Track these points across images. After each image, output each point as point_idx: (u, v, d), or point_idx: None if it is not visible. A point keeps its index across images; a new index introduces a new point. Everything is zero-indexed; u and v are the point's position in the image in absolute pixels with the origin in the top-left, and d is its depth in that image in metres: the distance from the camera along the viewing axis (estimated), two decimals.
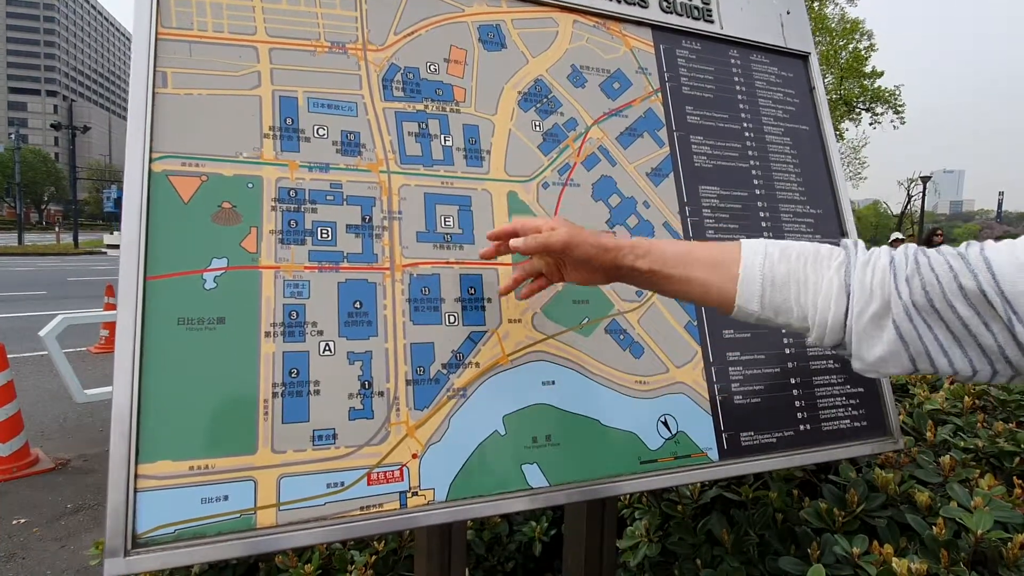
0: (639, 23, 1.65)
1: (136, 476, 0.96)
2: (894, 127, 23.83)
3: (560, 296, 1.36)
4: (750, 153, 1.70)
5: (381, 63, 1.32)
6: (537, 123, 1.45)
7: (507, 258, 1.32)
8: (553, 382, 1.30)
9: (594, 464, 1.29)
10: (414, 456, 1.14)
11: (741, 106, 1.73)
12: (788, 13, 1.88)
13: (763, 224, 1.65)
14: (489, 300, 1.28)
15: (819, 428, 1.55)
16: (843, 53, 23.36)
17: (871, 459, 1.86)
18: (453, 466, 1.17)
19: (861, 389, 1.64)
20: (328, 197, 1.20)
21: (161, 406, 1.00)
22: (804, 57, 1.89)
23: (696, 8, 1.73)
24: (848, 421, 1.59)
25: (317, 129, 1.23)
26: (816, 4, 22.37)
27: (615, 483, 1.28)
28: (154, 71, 1.12)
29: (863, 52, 23.39)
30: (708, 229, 1.58)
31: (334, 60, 1.28)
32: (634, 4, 1.65)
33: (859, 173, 29.85)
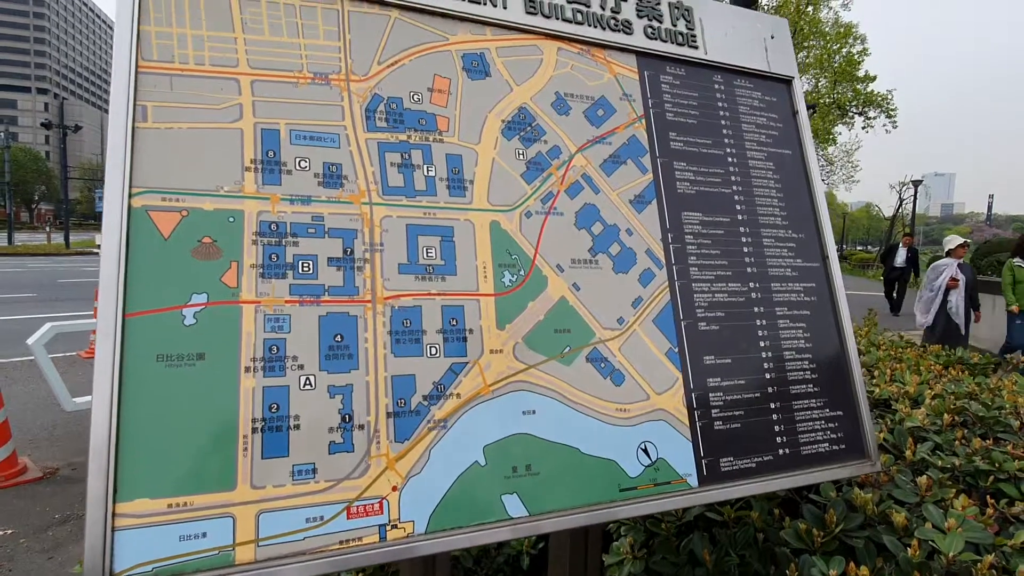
0: (623, 49, 1.67)
1: (114, 515, 0.96)
2: (886, 131, 24.01)
3: (542, 325, 1.37)
4: (733, 179, 1.72)
5: (364, 93, 1.33)
6: (521, 151, 1.46)
7: (489, 288, 1.33)
8: (534, 411, 1.31)
9: (574, 492, 1.30)
10: (394, 489, 1.15)
11: (725, 131, 1.75)
12: (772, 37, 1.90)
13: (745, 250, 1.67)
14: (471, 331, 1.29)
15: (798, 452, 1.57)
16: (837, 57, 23.51)
17: (851, 479, 1.89)
18: (433, 498, 1.18)
19: (840, 412, 1.66)
20: (310, 230, 1.21)
21: (139, 444, 1.01)
22: (788, 81, 1.91)
23: (681, 34, 1.75)
24: (827, 444, 1.61)
25: (299, 161, 1.23)
26: (810, 8, 22.50)
27: (594, 511, 1.30)
28: (134, 105, 1.12)
29: (856, 56, 23.55)
30: (691, 255, 1.59)
31: (317, 91, 1.29)
32: (619, 31, 1.66)
33: (852, 176, 30.05)
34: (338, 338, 1.17)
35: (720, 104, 1.77)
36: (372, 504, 1.13)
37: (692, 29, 1.77)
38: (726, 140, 1.74)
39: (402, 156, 1.33)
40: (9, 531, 3.71)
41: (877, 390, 2.63)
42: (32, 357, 4.55)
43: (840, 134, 25.53)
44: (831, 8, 23.14)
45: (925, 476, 1.74)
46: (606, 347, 1.42)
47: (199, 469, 1.03)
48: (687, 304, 1.55)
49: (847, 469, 1.61)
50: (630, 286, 1.49)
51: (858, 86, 23.72)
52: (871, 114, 23.78)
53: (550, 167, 1.48)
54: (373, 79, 1.35)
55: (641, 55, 1.69)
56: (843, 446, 1.63)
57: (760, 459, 1.52)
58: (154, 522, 0.99)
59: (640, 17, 1.70)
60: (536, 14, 1.56)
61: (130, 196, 1.09)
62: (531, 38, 1.55)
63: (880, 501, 1.69)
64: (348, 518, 1.11)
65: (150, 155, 1.12)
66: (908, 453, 1.94)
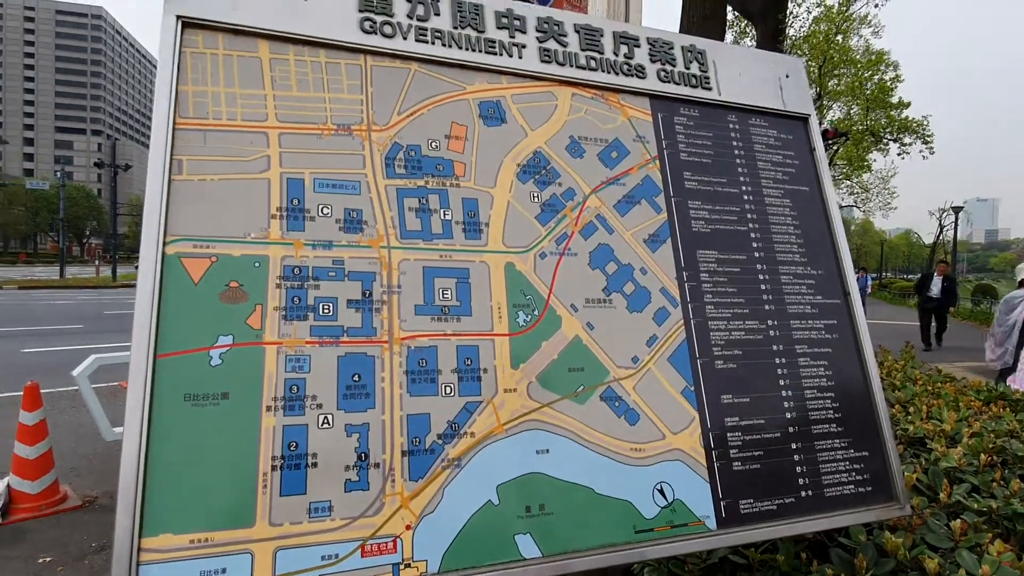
0: (637, 93, 1.71)
1: (139, 549, 1.01)
2: (923, 157, 23.51)
3: (556, 364, 1.39)
4: (749, 216, 1.73)
5: (384, 142, 1.40)
6: (535, 194, 1.50)
7: (503, 328, 1.36)
8: (547, 451, 1.32)
9: (588, 533, 1.30)
10: (408, 527, 1.17)
11: (740, 170, 1.77)
12: (787, 76, 1.93)
13: (762, 287, 1.67)
14: (485, 370, 1.32)
15: (821, 494, 1.53)
16: (869, 84, 23.28)
17: (882, 521, 1.82)
18: (446, 537, 1.19)
19: (865, 452, 1.62)
20: (330, 273, 1.26)
21: (165, 480, 1.05)
22: (804, 119, 1.92)
23: (694, 76, 1.79)
24: (852, 486, 1.57)
25: (322, 208, 1.30)
26: (840, 37, 22.43)
27: (609, 553, 1.29)
28: (171, 159, 1.21)
29: (889, 83, 23.29)
30: (706, 293, 1.60)
31: (340, 142, 1.36)
32: (632, 75, 1.71)
33: (889, 203, 29.39)
34: (356, 378, 1.21)
35: (735, 143, 1.79)
36: (386, 543, 1.15)
37: (705, 71, 1.81)
38: (741, 178, 1.76)
39: (420, 201, 1.38)
40: (48, 558, 3.82)
41: (912, 428, 2.55)
42: (77, 387, 4.73)
43: (875, 161, 25.09)
44: (861, 36, 23.00)
45: (960, 520, 1.67)
46: (620, 386, 1.43)
47: (220, 506, 1.07)
48: (703, 342, 1.55)
49: (873, 512, 1.56)
50: (644, 325, 1.50)
51: (892, 113, 23.37)
52: (906, 140, 23.34)
53: (564, 208, 1.52)
54: (393, 128, 1.42)
55: (655, 98, 1.73)
56: (869, 488, 1.59)
57: (781, 501, 1.49)
58: (177, 557, 1.03)
59: (653, 61, 1.74)
60: (551, 62, 1.62)
61: (164, 244, 1.16)
62: (546, 85, 1.61)
63: (912, 546, 1.63)
64: (362, 556, 1.13)
65: (184, 205, 1.20)
66: (943, 495, 1.87)
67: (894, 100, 23.32)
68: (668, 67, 1.76)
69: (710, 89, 1.80)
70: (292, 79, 1.36)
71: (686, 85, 1.77)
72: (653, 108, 1.72)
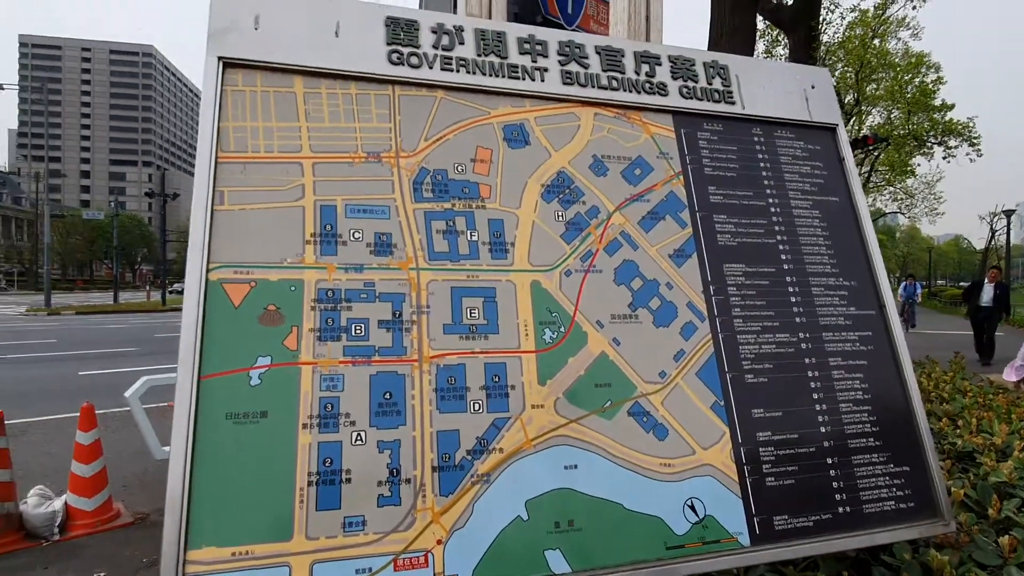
0: (659, 110, 1.73)
1: (185, 562, 1.06)
2: (970, 160, 22.62)
3: (583, 380, 1.41)
4: (777, 228, 1.72)
5: (412, 168, 1.45)
6: (560, 213, 1.53)
7: (530, 345, 1.39)
8: (576, 466, 1.33)
9: (618, 549, 1.30)
10: (439, 542, 1.20)
11: (766, 182, 1.76)
12: (813, 87, 1.92)
13: (792, 300, 1.65)
14: (513, 387, 1.35)
15: (860, 510, 1.50)
16: (909, 87, 22.63)
17: (928, 538, 1.76)
18: (477, 552, 1.21)
19: (906, 468, 1.57)
20: (362, 295, 1.32)
21: (209, 495, 1.11)
22: (832, 129, 1.91)
23: (717, 92, 1.80)
24: (892, 502, 1.53)
25: (353, 233, 1.36)
26: (877, 41, 21.92)
27: (640, 570, 1.29)
28: (213, 191, 1.29)
29: (930, 85, 22.58)
30: (734, 307, 1.60)
31: (370, 169, 1.42)
32: (654, 93, 1.73)
33: (935, 209, 28.31)
34: (387, 395, 1.26)
35: (760, 156, 1.79)
36: (418, 557, 1.18)
37: (728, 86, 1.82)
38: (768, 191, 1.75)
39: (447, 223, 1.43)
40: (102, 573, 3.97)
41: (960, 442, 2.45)
42: (129, 408, 4.94)
43: (919, 165, 24.30)
44: (899, 39, 22.42)
45: (1009, 536, 1.61)
46: (648, 401, 1.43)
47: (260, 520, 1.12)
48: (732, 356, 1.54)
49: (916, 529, 1.51)
50: (671, 339, 1.50)
51: (935, 115, 22.61)
52: (952, 143, 22.51)
53: (589, 226, 1.54)
54: (420, 154, 1.47)
55: (677, 114, 1.75)
56: (911, 504, 1.54)
57: (818, 517, 1.46)
58: (220, 569, 1.08)
59: (675, 79, 1.77)
60: (573, 84, 1.66)
61: (208, 271, 1.23)
62: (568, 106, 1.65)
63: (960, 564, 1.57)
64: (395, 570, 1.16)
65: (225, 234, 1.27)
66: (992, 511, 1.79)
67: (937, 102, 22.57)
68: (690, 83, 1.77)
69: (733, 103, 1.81)
70: (324, 111, 1.43)
71: (709, 100, 1.78)
72: (676, 124, 1.74)
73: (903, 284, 18.57)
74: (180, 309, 1.18)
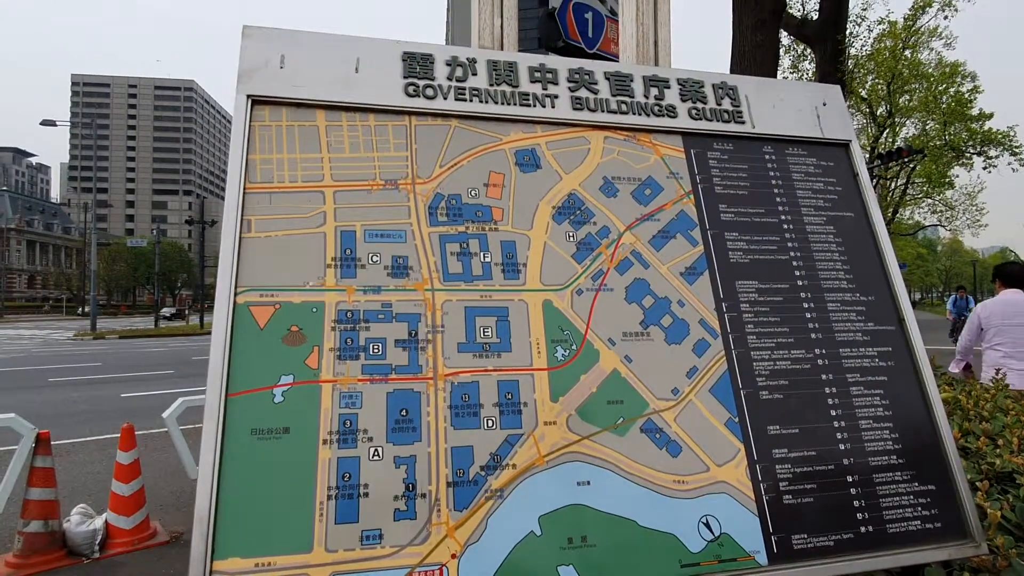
0: (669, 132, 1.77)
1: (212, 572, 1.12)
2: (1012, 170, 21.91)
3: (595, 397, 1.43)
4: (790, 244, 1.73)
5: (427, 193, 1.52)
6: (571, 234, 1.57)
7: (542, 363, 1.42)
8: (588, 482, 1.35)
9: (632, 567, 1.31)
10: (453, 556, 1.23)
11: (778, 199, 1.78)
12: (824, 104, 1.93)
13: (808, 315, 1.65)
14: (526, 404, 1.38)
15: (884, 530, 1.47)
16: (944, 98, 22.16)
17: (962, 562, 1.71)
18: (491, 567, 1.24)
19: (932, 487, 1.54)
20: (380, 316, 1.37)
21: (234, 507, 1.17)
22: (845, 145, 1.91)
23: (726, 112, 1.83)
24: (918, 522, 1.50)
25: (372, 256, 1.42)
26: (908, 52, 21.58)
27: None
28: (241, 220, 1.37)
29: (966, 95, 22.08)
30: (748, 323, 1.60)
31: (387, 195, 1.49)
32: (663, 115, 1.77)
33: (978, 220, 27.41)
34: (403, 412, 1.30)
35: (772, 173, 1.81)
36: (433, 571, 1.21)
37: (738, 106, 1.85)
38: (780, 208, 1.77)
39: (461, 246, 1.49)
40: None
41: (999, 461, 2.37)
42: (166, 429, 5.10)
43: (957, 176, 23.63)
44: (932, 49, 22.03)
45: None
46: (661, 417, 1.45)
47: (282, 532, 1.17)
48: (746, 373, 1.54)
49: (945, 551, 1.48)
50: (684, 356, 1.52)
51: (972, 125, 22.04)
52: (992, 153, 21.87)
53: (599, 246, 1.58)
54: (435, 180, 1.54)
55: (687, 135, 1.78)
56: (938, 524, 1.51)
57: (839, 537, 1.44)
58: None
59: (684, 100, 1.80)
60: (583, 109, 1.71)
61: (235, 295, 1.31)
62: (578, 131, 1.70)
63: None
64: None
65: (252, 259, 1.35)
66: None
67: (974, 112, 22.02)
68: (699, 105, 1.81)
69: (743, 123, 1.83)
70: (345, 142, 1.51)
71: (718, 121, 1.81)
72: (686, 145, 1.77)
73: (952, 297, 17.88)
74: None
